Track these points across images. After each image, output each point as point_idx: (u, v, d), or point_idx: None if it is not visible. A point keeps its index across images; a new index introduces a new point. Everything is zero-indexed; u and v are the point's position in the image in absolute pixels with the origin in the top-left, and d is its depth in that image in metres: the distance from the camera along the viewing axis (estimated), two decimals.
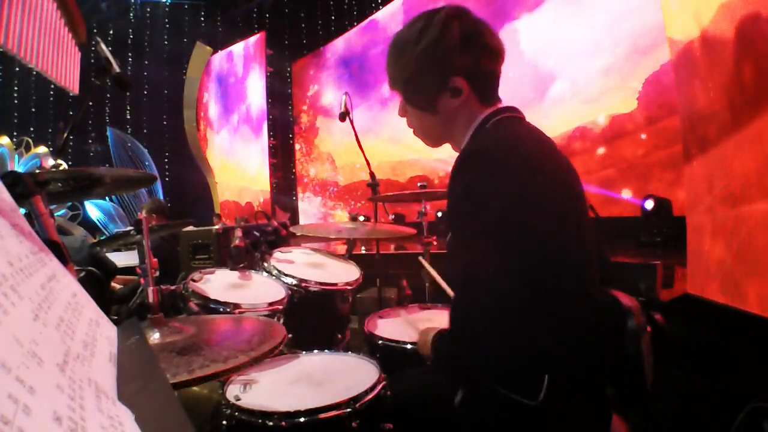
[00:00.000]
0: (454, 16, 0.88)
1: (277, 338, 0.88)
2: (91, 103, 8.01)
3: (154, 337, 0.88)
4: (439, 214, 5.03)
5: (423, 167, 6.34)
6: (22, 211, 0.47)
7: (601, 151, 4.36)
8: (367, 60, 7.27)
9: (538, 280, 0.76)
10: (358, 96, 7.01)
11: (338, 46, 7.95)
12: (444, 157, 5.85)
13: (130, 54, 9.47)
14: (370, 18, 7.24)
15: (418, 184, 1.84)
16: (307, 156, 8.66)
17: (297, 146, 8.86)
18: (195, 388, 1.19)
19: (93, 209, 8.88)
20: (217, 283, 1.52)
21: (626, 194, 4.20)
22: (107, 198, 8.86)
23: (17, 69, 8.12)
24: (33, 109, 8.70)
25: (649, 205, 3.55)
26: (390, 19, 6.87)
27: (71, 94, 2.87)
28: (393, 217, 5.40)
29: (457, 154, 0.96)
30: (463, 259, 0.78)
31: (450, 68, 0.88)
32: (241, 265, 1.64)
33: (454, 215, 0.81)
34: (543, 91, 4.82)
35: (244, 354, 0.79)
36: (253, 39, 8.97)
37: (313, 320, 1.60)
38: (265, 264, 1.66)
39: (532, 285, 0.75)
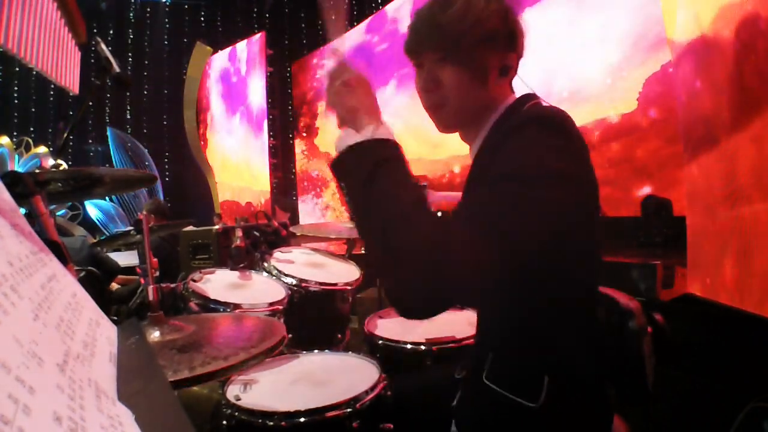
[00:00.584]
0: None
1: (277, 336, 0.89)
2: (91, 103, 8.01)
3: (155, 335, 0.88)
4: (439, 214, 5.02)
5: (423, 167, 6.34)
6: (22, 211, 0.47)
7: (600, 150, 4.37)
8: (368, 60, 7.28)
9: (565, 261, 0.74)
10: None
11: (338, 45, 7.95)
12: (444, 158, 5.85)
13: (130, 54, 9.46)
14: (369, 18, 7.24)
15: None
16: (307, 156, 8.65)
17: (297, 146, 8.85)
18: (195, 388, 1.19)
19: (93, 209, 8.88)
20: (217, 283, 1.53)
21: (626, 194, 4.20)
22: (107, 198, 8.86)
23: (17, 69, 8.12)
24: (33, 109, 8.70)
25: (650, 205, 3.55)
26: (391, 18, 6.88)
27: (71, 94, 2.87)
28: None
29: (462, 146, 0.94)
30: (507, 203, 0.65)
31: (514, 41, 0.84)
32: (241, 265, 1.64)
33: (505, 165, 0.70)
34: (542, 91, 4.81)
35: (245, 351, 0.79)
36: (253, 39, 8.97)
37: (313, 320, 1.60)
38: (265, 264, 1.66)
39: (558, 264, 0.71)
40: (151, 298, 0.95)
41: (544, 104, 0.83)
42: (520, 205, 0.65)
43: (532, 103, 0.84)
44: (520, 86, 0.92)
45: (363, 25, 7.34)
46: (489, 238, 0.63)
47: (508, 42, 0.84)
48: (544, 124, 0.73)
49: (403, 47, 0.89)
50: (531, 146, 0.70)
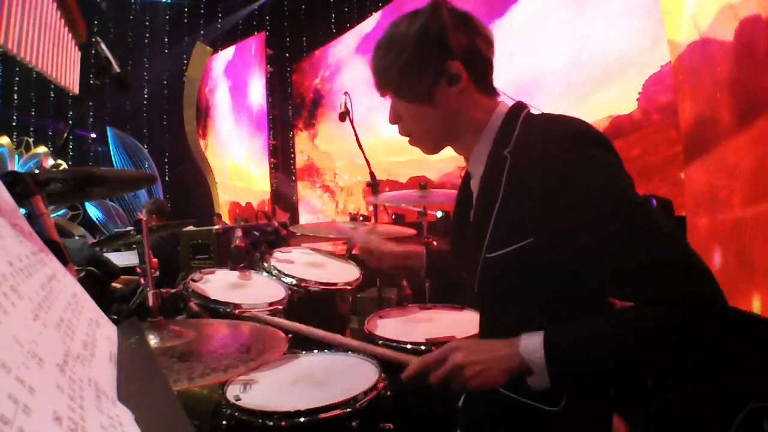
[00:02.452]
0: (441, 2, 0.84)
1: (277, 348, 0.88)
2: (91, 103, 8.01)
3: (154, 341, 0.87)
4: (439, 214, 5.03)
5: (423, 167, 6.33)
6: (22, 211, 0.47)
7: None
8: (368, 59, 7.28)
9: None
10: (357, 96, 7.00)
11: (338, 45, 7.95)
12: (444, 158, 5.84)
13: (130, 54, 9.46)
14: (369, 18, 7.24)
15: (419, 184, 1.84)
16: (308, 156, 8.65)
17: (297, 146, 8.85)
18: (195, 388, 1.19)
19: (93, 209, 8.87)
20: (217, 283, 1.52)
21: None
22: (107, 198, 8.86)
23: (17, 69, 8.12)
24: (33, 109, 8.70)
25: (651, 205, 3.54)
26: (392, 18, 6.88)
27: (71, 94, 2.87)
28: (394, 217, 5.40)
29: (454, 156, 0.95)
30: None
31: (446, 49, 0.82)
32: (241, 265, 1.64)
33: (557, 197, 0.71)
34: (541, 92, 4.82)
35: (244, 364, 0.79)
36: (253, 39, 8.97)
37: (313, 320, 1.59)
38: (265, 264, 1.66)
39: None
40: (150, 303, 0.94)
41: (535, 112, 0.85)
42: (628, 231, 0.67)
43: (534, 114, 0.84)
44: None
45: (358, 28, 7.35)
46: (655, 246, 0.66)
47: (439, 54, 0.82)
48: (588, 136, 0.75)
49: None
50: (603, 170, 0.72)
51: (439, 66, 0.82)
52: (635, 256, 0.66)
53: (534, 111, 0.85)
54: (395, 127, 0.94)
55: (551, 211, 0.71)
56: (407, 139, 0.95)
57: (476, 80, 0.85)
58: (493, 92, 0.89)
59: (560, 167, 0.71)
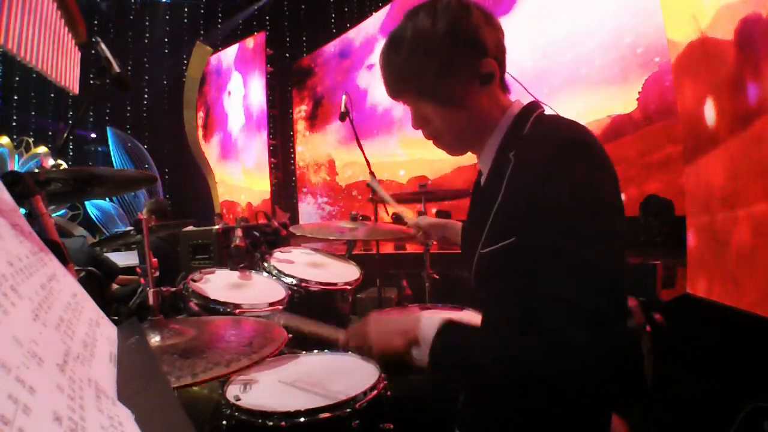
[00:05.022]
0: None
1: (278, 340, 0.89)
2: (91, 104, 8.00)
3: (155, 339, 0.88)
4: (435, 210, 5.03)
5: (423, 167, 6.34)
6: (22, 211, 0.47)
7: None
8: (368, 59, 7.28)
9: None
10: (357, 96, 7.01)
11: (338, 45, 7.95)
12: (444, 158, 5.84)
13: (130, 54, 9.47)
14: (370, 18, 7.24)
15: (419, 185, 1.84)
16: (308, 156, 8.65)
17: (297, 146, 8.85)
18: (195, 388, 1.19)
19: (93, 209, 8.88)
20: (217, 283, 1.52)
21: (626, 194, 4.20)
22: (107, 198, 8.86)
23: (17, 69, 8.12)
24: (33, 110, 8.70)
25: (650, 205, 3.54)
26: (392, 18, 6.88)
27: (71, 94, 2.87)
28: (394, 216, 5.40)
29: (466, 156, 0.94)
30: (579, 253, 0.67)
31: (479, 48, 0.78)
32: (241, 265, 1.64)
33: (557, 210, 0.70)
34: (541, 92, 4.82)
35: (246, 357, 0.80)
36: (253, 39, 8.97)
37: (313, 320, 1.60)
38: (265, 264, 1.66)
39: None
40: (151, 302, 0.94)
41: (548, 114, 0.83)
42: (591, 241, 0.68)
43: (546, 115, 0.82)
44: (516, 88, 0.91)
45: (358, 28, 7.35)
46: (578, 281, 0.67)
47: (472, 54, 0.79)
48: (592, 150, 0.72)
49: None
50: (579, 178, 0.70)
51: (473, 66, 0.79)
52: (559, 283, 0.67)
53: (547, 112, 0.84)
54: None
55: (529, 213, 0.71)
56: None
57: (501, 78, 0.85)
58: (507, 89, 0.88)
59: (543, 172, 0.71)
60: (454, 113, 0.82)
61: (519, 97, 0.89)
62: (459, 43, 0.77)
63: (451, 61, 0.78)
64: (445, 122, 0.83)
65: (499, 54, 0.82)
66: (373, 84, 7.04)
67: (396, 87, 0.85)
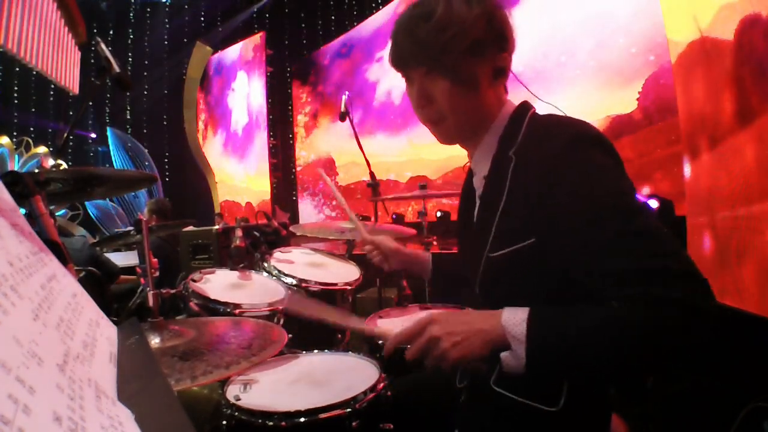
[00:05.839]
0: None
1: (277, 342, 0.88)
2: (91, 103, 8.01)
3: (155, 341, 0.87)
4: (439, 214, 5.03)
5: (423, 167, 6.34)
6: (22, 211, 0.47)
7: None
8: (368, 59, 7.28)
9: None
10: (357, 96, 7.01)
11: (338, 45, 7.95)
12: (444, 158, 5.85)
13: (130, 54, 9.47)
14: (370, 18, 7.24)
15: (419, 185, 1.84)
16: (307, 156, 8.65)
17: (297, 146, 8.86)
18: (195, 388, 1.19)
19: (93, 209, 8.88)
20: (217, 283, 1.52)
21: None
22: (107, 198, 8.86)
23: (17, 69, 8.12)
24: (33, 109, 8.70)
25: (653, 205, 3.54)
26: (391, 18, 6.88)
27: (71, 94, 2.87)
28: (394, 216, 5.40)
29: (454, 156, 0.95)
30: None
31: (505, 40, 0.81)
32: (241, 265, 1.64)
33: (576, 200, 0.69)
34: (540, 92, 4.81)
35: (246, 360, 0.79)
36: (253, 39, 8.98)
37: (313, 320, 1.59)
38: (265, 264, 1.66)
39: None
40: (150, 303, 0.94)
41: (543, 114, 0.84)
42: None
43: (544, 116, 0.83)
44: (516, 88, 0.91)
45: (358, 28, 7.35)
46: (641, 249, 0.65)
47: (497, 45, 0.80)
48: (601, 142, 0.74)
49: (389, 59, 0.85)
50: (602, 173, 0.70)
51: (493, 57, 0.81)
52: (633, 259, 0.65)
53: (539, 112, 0.85)
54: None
55: (551, 213, 0.71)
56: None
57: (506, 77, 0.86)
58: (506, 89, 0.90)
59: (560, 169, 0.71)
60: (465, 93, 0.80)
61: (514, 96, 0.90)
62: (492, 30, 0.79)
63: (481, 43, 0.78)
64: (453, 102, 0.80)
65: (512, 50, 0.84)
66: (372, 83, 7.04)
67: (410, 57, 0.81)
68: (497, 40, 0.80)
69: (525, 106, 0.85)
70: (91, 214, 8.77)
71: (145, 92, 9.83)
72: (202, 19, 9.94)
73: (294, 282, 1.56)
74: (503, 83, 0.86)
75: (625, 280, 0.65)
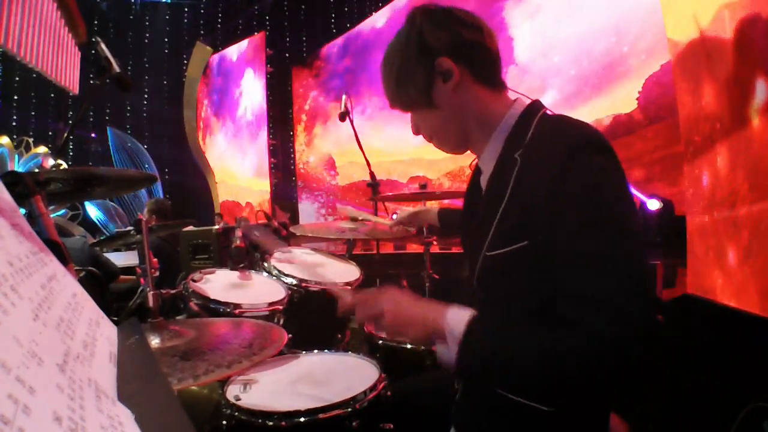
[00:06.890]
0: (419, 6, 0.86)
1: (278, 342, 0.88)
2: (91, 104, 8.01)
3: (155, 341, 0.87)
4: (418, 206, 5.02)
5: (423, 167, 6.34)
6: (22, 211, 0.47)
7: None
8: (367, 59, 7.28)
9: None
10: (357, 96, 7.01)
11: (338, 45, 7.95)
12: (443, 158, 5.85)
13: (130, 54, 9.47)
14: (370, 18, 7.24)
15: (419, 185, 1.84)
16: (307, 156, 8.65)
17: (297, 146, 8.86)
18: (195, 388, 1.20)
19: (93, 209, 8.88)
20: (218, 283, 1.52)
21: None
22: (107, 198, 8.87)
23: (17, 69, 8.12)
24: (33, 110, 8.70)
25: (654, 205, 3.54)
26: (391, 18, 6.88)
27: (71, 94, 2.87)
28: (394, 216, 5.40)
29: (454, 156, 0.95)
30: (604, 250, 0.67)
31: (427, 49, 0.82)
32: (241, 265, 1.64)
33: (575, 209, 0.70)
34: (541, 92, 4.82)
35: (247, 359, 0.79)
36: (253, 39, 8.98)
37: (313, 320, 1.60)
38: (265, 264, 1.66)
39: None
40: (151, 304, 0.94)
41: (553, 114, 0.83)
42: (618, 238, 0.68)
43: (550, 114, 0.82)
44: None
45: (358, 28, 7.34)
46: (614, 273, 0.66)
47: (422, 55, 0.83)
48: (605, 149, 0.74)
49: None
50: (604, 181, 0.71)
51: (428, 67, 0.83)
52: (590, 282, 0.67)
53: (549, 112, 0.84)
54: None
55: (545, 218, 0.71)
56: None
57: (474, 72, 0.84)
58: (498, 85, 0.87)
59: (559, 174, 0.71)
60: (429, 113, 0.88)
61: (520, 96, 0.89)
62: (408, 51, 0.84)
63: (404, 69, 0.86)
64: (426, 123, 0.90)
65: (460, 50, 0.83)
66: (372, 83, 7.04)
67: (390, 102, 0.93)
68: (420, 54, 0.83)
69: (535, 106, 0.85)
70: (92, 216, 8.77)
71: (145, 92, 9.84)
72: (202, 19, 9.94)
73: (294, 282, 1.56)
74: (474, 83, 0.85)
75: (572, 300, 0.68)
